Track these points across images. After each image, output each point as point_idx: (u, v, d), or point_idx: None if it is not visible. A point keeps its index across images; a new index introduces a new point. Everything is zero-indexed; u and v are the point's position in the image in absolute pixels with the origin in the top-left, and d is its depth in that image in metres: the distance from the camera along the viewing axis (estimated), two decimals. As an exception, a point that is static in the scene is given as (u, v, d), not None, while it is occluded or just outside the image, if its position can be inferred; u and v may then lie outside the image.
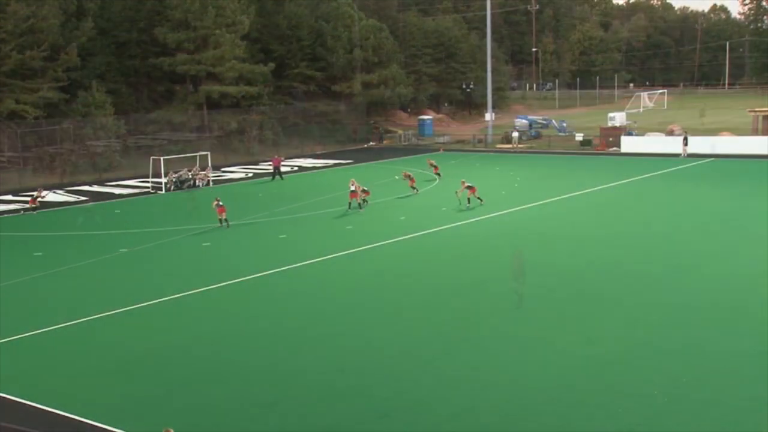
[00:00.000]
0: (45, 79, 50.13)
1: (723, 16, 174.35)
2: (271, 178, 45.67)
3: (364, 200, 34.17)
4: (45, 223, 33.81)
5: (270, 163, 47.96)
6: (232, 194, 40.28)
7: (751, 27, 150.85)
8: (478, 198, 33.21)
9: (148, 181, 44.46)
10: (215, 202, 31.05)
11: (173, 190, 42.75)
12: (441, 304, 19.54)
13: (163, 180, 42.65)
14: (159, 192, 42.25)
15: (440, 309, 19.10)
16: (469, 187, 33.12)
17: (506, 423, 12.81)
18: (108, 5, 58.48)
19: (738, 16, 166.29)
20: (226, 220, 30.62)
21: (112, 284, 22.77)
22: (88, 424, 13.25)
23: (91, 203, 39.08)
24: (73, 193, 42.88)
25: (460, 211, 32.53)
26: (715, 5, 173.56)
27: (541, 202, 34.36)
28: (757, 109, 55.52)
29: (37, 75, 50.17)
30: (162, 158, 43.89)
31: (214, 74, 58.62)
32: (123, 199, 40.40)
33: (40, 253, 27.21)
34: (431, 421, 12.93)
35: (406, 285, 21.52)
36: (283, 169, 47.90)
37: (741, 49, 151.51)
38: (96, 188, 44.75)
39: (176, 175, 43.72)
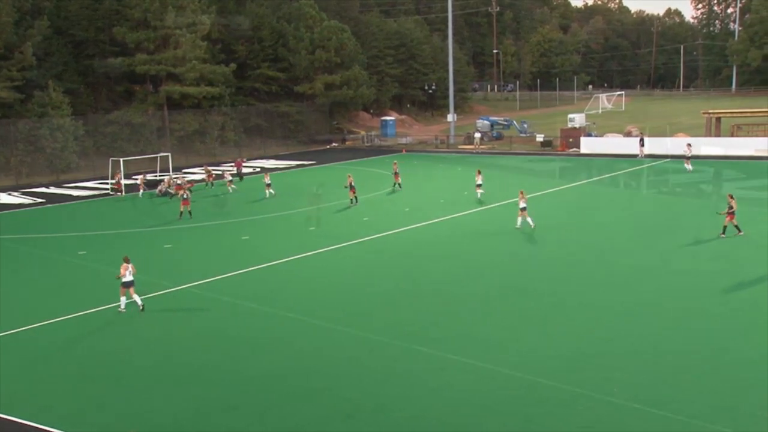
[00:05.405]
0: (-2, 79, 49.01)
1: (677, 19, 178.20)
2: (239, 179, 45.27)
3: (354, 198, 35.65)
4: (1, 226, 33.02)
5: (233, 165, 48.12)
6: (194, 195, 39.86)
7: (704, 31, 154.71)
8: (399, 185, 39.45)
9: (107, 182, 43.74)
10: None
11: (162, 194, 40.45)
12: (401, 305, 19.62)
13: (140, 184, 40.92)
14: (119, 194, 41.57)
15: (401, 310, 19.18)
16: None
17: (468, 423, 12.95)
18: (64, 4, 57.37)
19: (691, 20, 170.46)
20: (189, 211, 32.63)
21: (70, 287, 22.39)
22: (45, 431, 13.02)
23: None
24: (29, 195, 41.97)
25: (424, 212, 32.70)
26: (669, 9, 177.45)
27: (503, 203, 34.71)
28: (710, 111, 56.91)
29: (-10, 74, 49.06)
30: (122, 159, 43.19)
31: (174, 75, 57.90)
32: (81, 200, 39.66)
33: (-6, 257, 26.60)
34: (395, 422, 13.01)
35: (366, 286, 21.56)
36: (245, 170, 48.00)
37: (694, 53, 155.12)
38: (53, 190, 43.87)
39: (161, 182, 42.42)
